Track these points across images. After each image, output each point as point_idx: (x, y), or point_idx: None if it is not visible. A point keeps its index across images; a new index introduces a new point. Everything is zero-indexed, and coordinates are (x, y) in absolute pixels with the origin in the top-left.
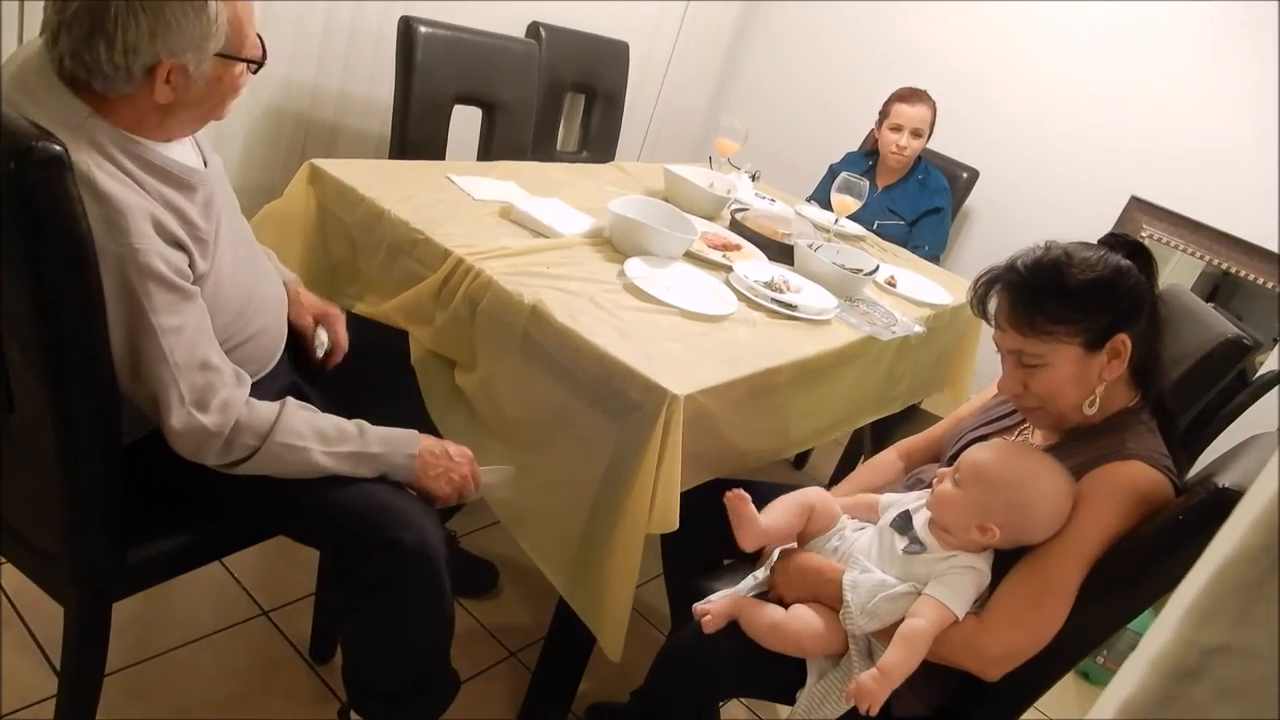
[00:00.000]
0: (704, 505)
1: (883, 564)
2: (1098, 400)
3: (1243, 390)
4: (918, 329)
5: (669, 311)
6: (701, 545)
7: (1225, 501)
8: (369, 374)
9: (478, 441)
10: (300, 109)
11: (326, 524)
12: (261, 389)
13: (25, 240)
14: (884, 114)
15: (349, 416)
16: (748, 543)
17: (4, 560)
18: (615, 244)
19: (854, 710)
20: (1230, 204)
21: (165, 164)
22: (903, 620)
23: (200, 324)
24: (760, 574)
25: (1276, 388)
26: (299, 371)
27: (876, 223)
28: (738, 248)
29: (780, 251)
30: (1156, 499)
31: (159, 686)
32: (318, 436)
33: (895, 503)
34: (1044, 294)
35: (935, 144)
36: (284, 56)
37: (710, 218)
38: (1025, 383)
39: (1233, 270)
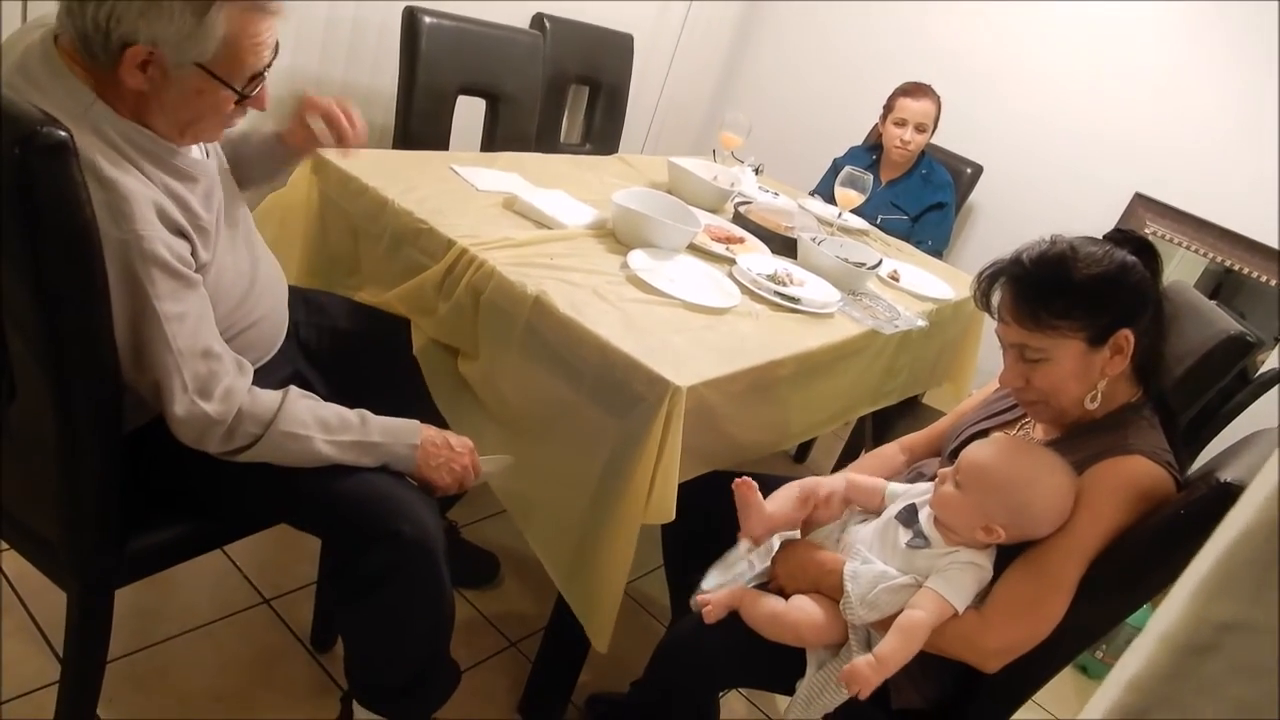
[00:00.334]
0: (704, 497)
1: (885, 556)
2: (1099, 396)
3: (1244, 388)
4: (920, 323)
5: (672, 304)
6: (702, 537)
7: (1227, 497)
8: (371, 363)
9: (484, 429)
10: None
11: (327, 513)
12: (264, 376)
13: (29, 225)
14: (888, 108)
15: (351, 406)
16: (753, 530)
17: (6, 547)
18: (618, 236)
19: (851, 701)
20: (1234, 201)
21: (167, 154)
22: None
23: (202, 312)
24: (756, 560)
25: (1278, 386)
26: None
27: (880, 217)
28: (741, 240)
29: (783, 245)
30: (1158, 494)
31: (160, 674)
32: (320, 425)
33: (902, 494)
34: (1048, 288)
35: (939, 139)
36: (287, 47)
37: (714, 211)
38: (1027, 377)
39: (1236, 267)
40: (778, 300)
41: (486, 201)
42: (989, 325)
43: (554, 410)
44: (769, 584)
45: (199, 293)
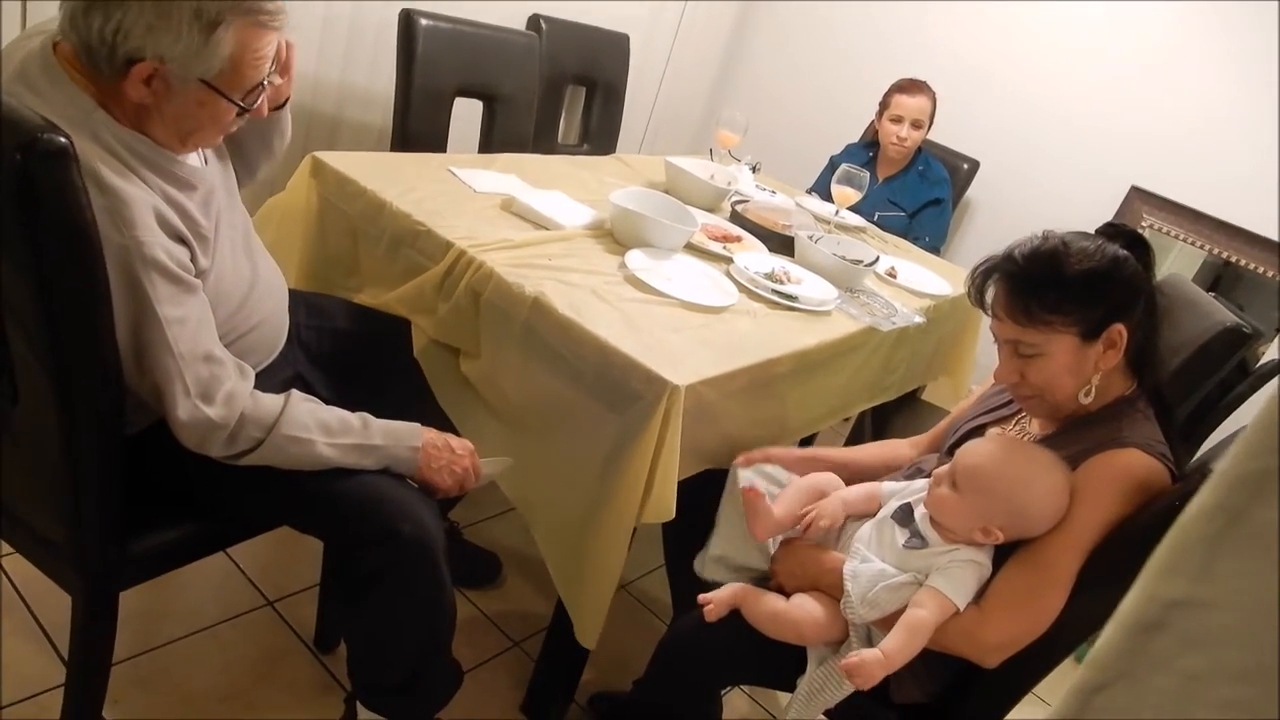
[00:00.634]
0: (704, 495)
1: (882, 555)
2: (1094, 390)
3: (1243, 380)
4: (918, 319)
5: (669, 303)
6: (702, 534)
7: None
8: (371, 365)
9: (486, 426)
10: (301, 101)
11: (328, 514)
12: (265, 380)
13: (30, 231)
14: (884, 105)
15: (352, 407)
16: (762, 535)
17: (11, 550)
18: (616, 236)
19: (852, 696)
20: (1231, 193)
21: (166, 162)
22: (904, 609)
23: (203, 316)
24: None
25: (1277, 378)
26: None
27: (877, 214)
28: (738, 239)
29: (781, 243)
30: (1153, 486)
31: (164, 676)
32: (322, 429)
33: (897, 492)
34: (1040, 284)
35: (936, 135)
36: None
37: (711, 209)
38: (1022, 372)
39: (1234, 260)
40: (775, 298)
41: (484, 203)
42: (987, 320)
43: (555, 409)
44: (770, 582)
45: (199, 298)
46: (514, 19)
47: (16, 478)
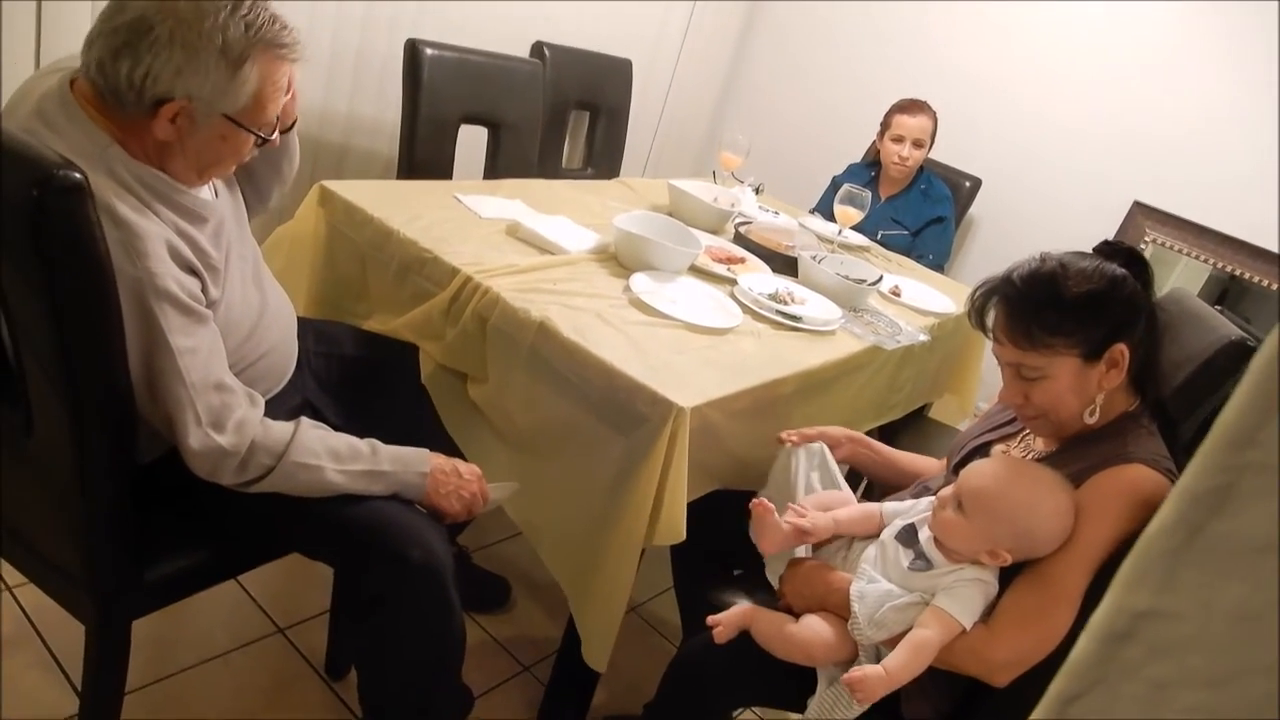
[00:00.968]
0: (713, 516)
1: (887, 575)
2: (1098, 409)
3: None
4: (922, 338)
5: (674, 325)
6: (711, 556)
7: None
8: (380, 390)
9: (494, 450)
10: (309, 131)
11: (337, 540)
12: (275, 407)
13: (46, 264)
14: (885, 125)
15: (361, 432)
16: (769, 549)
17: (24, 580)
18: (621, 259)
19: (864, 715)
20: (1234, 207)
21: (178, 195)
22: (910, 629)
23: (214, 346)
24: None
25: (1229, 401)
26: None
27: (880, 233)
28: (742, 260)
29: (784, 264)
30: (1159, 501)
31: (176, 705)
32: (331, 455)
33: (901, 512)
34: (1040, 307)
35: (937, 153)
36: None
37: (714, 231)
38: (1026, 394)
39: (1238, 273)
40: (779, 319)
41: (490, 229)
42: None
43: (562, 432)
44: (778, 602)
45: (210, 328)
46: (518, 47)
47: (32, 507)
